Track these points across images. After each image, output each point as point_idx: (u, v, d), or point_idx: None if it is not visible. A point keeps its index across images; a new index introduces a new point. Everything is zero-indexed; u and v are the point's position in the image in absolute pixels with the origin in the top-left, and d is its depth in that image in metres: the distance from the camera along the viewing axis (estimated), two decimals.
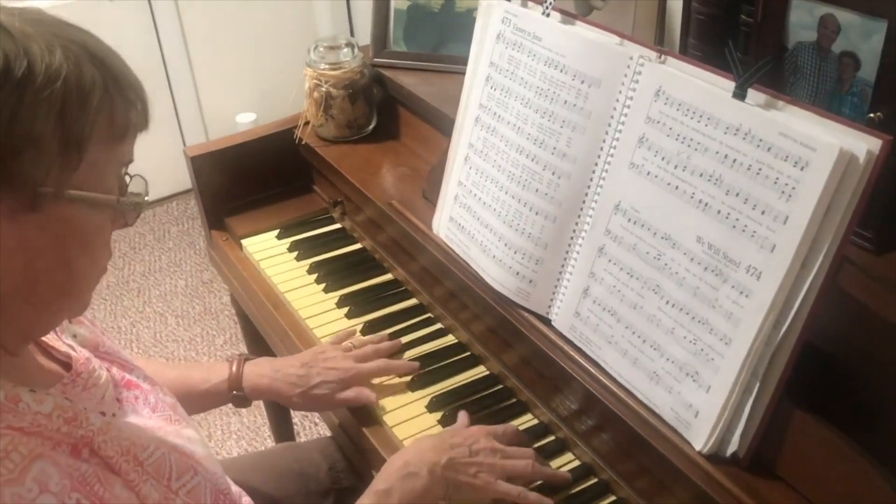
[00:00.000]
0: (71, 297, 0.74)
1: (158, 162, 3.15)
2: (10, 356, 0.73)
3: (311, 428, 2.23)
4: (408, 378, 1.18)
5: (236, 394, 1.15)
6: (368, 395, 1.13)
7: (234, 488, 1.04)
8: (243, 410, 2.29)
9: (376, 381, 1.18)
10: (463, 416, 1.08)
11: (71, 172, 0.67)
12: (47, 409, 0.71)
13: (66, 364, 0.81)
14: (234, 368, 1.15)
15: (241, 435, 2.24)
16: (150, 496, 0.76)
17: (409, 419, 1.12)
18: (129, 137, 0.72)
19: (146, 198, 0.76)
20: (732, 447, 0.88)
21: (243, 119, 3.17)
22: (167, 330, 2.63)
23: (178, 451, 0.83)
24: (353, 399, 1.14)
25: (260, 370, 1.16)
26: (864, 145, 0.75)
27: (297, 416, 2.20)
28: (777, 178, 0.81)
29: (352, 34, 3.02)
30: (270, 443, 2.02)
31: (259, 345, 1.58)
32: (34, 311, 0.71)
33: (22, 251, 0.67)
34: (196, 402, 1.17)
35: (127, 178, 0.75)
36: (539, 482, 1.01)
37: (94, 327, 0.92)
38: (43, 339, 0.81)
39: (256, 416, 2.26)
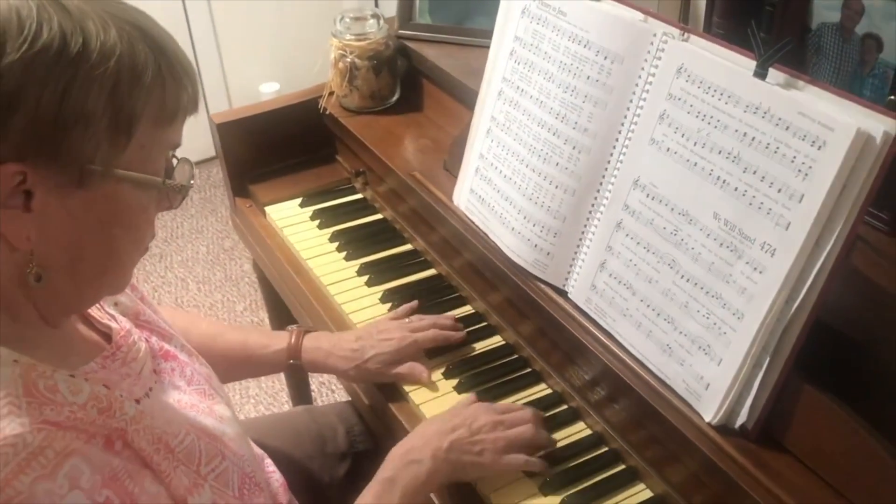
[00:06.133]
0: (112, 275, 0.75)
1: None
2: (50, 328, 0.75)
3: (328, 395, 2.27)
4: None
5: (293, 363, 1.17)
6: (421, 371, 1.14)
7: (257, 451, 1.07)
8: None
9: None
10: (468, 397, 1.09)
11: (120, 151, 0.68)
12: (82, 399, 0.71)
13: (108, 335, 0.82)
14: (293, 339, 1.18)
15: (259, 400, 2.28)
16: (180, 483, 0.77)
17: (426, 386, 1.15)
18: (179, 120, 0.73)
19: (192, 181, 0.78)
20: (741, 419, 0.90)
21: (267, 89, 3.19)
22: (188, 296, 2.67)
23: (208, 435, 0.85)
24: (406, 375, 1.14)
25: (318, 343, 1.18)
26: (881, 126, 0.76)
27: (314, 383, 2.24)
28: (794, 157, 0.82)
29: (376, 5, 3.01)
30: (288, 408, 2.06)
31: (280, 311, 1.62)
32: (76, 287, 0.73)
33: (68, 227, 0.68)
34: (253, 367, 1.20)
35: (174, 161, 0.76)
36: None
37: (133, 293, 0.94)
38: None
39: (275, 382, 2.30)
